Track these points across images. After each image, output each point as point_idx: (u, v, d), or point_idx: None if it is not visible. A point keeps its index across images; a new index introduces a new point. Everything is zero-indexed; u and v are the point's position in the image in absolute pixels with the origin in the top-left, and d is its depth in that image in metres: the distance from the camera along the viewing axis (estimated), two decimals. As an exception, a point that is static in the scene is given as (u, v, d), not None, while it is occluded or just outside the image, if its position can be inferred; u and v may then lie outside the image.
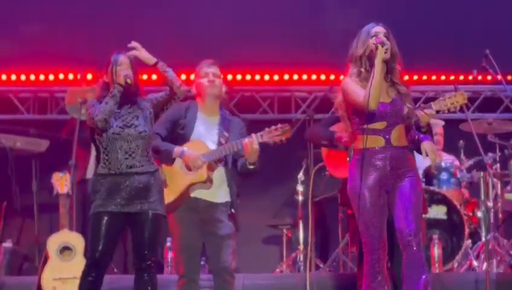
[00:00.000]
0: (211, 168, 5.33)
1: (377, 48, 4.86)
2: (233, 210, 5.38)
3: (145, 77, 8.81)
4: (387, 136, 4.94)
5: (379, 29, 4.97)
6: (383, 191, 4.92)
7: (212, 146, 5.37)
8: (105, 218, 4.97)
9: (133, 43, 5.22)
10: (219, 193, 5.37)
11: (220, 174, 5.38)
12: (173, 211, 5.35)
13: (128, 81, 5.06)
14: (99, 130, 5.01)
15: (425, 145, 5.06)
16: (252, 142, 5.23)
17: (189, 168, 5.33)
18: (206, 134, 5.42)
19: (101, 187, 5.02)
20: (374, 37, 4.91)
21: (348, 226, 7.81)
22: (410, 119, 5.00)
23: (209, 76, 5.46)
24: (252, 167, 5.31)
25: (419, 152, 5.15)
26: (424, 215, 5.58)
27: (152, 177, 5.07)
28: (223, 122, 5.47)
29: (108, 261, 5.08)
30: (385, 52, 4.86)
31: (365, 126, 4.94)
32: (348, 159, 5.32)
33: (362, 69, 4.96)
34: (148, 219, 5.01)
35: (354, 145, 5.03)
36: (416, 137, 5.12)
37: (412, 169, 5.00)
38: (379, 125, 4.93)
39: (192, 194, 5.34)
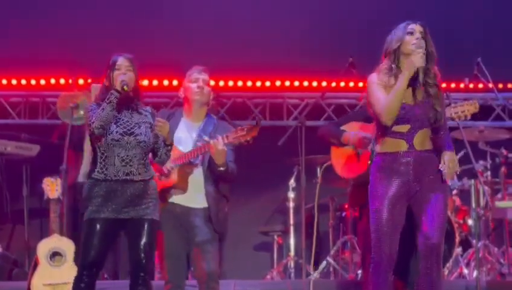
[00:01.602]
0: (182, 172, 5.27)
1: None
2: (211, 216, 5.28)
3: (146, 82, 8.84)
4: (410, 141, 4.79)
5: (416, 27, 4.83)
6: (403, 200, 4.78)
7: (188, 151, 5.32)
8: (99, 224, 4.90)
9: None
10: (196, 197, 5.30)
11: (196, 178, 5.31)
12: None
13: (125, 88, 4.93)
14: (97, 136, 4.93)
15: (446, 155, 4.82)
16: (217, 143, 5.11)
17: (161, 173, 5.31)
18: (186, 139, 5.37)
19: (96, 193, 4.94)
20: (413, 35, 4.78)
21: (345, 230, 7.88)
22: (438, 122, 4.82)
23: (199, 82, 5.44)
24: (221, 169, 5.19)
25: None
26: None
27: (147, 184, 5.01)
28: (205, 126, 5.40)
29: (100, 268, 5.03)
30: (420, 58, 4.72)
31: (388, 128, 4.79)
32: (369, 161, 5.24)
33: (394, 65, 4.82)
34: (143, 225, 4.94)
35: (376, 148, 4.89)
36: (441, 143, 4.89)
37: (438, 174, 4.82)
38: (402, 128, 4.79)
39: (170, 199, 5.31)
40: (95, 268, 4.94)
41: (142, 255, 4.91)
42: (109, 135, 4.94)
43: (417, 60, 4.73)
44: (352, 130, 5.69)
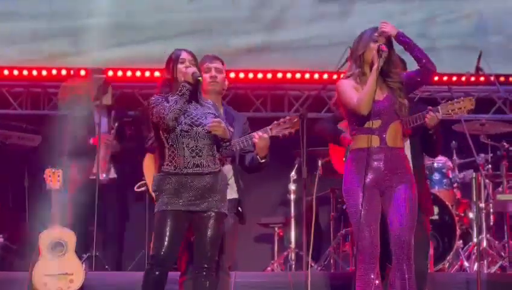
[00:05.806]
0: None
1: (379, 55, 4.89)
2: (240, 209, 5.38)
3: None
4: (383, 135, 4.97)
5: (379, 38, 5.00)
6: (376, 192, 4.95)
7: None
8: (171, 217, 4.94)
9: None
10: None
11: (227, 170, 5.36)
12: None
13: (200, 79, 5.01)
14: (168, 128, 4.96)
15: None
16: (262, 137, 5.24)
17: None
18: None
19: (167, 186, 4.97)
20: (377, 43, 4.95)
21: (346, 222, 7.88)
22: (403, 112, 5.03)
23: (212, 72, 5.45)
24: (263, 160, 5.31)
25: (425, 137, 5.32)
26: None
27: (216, 177, 5.04)
28: (227, 117, 5.44)
29: (172, 262, 5.05)
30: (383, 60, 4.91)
31: (361, 125, 4.98)
32: (344, 159, 5.34)
33: (359, 70, 5.02)
34: (211, 217, 4.98)
35: (350, 145, 5.08)
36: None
37: (407, 172, 5.04)
38: (375, 123, 4.97)
39: None
40: (166, 262, 4.94)
41: (209, 247, 4.96)
42: (178, 125, 4.97)
43: (380, 60, 4.91)
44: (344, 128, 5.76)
